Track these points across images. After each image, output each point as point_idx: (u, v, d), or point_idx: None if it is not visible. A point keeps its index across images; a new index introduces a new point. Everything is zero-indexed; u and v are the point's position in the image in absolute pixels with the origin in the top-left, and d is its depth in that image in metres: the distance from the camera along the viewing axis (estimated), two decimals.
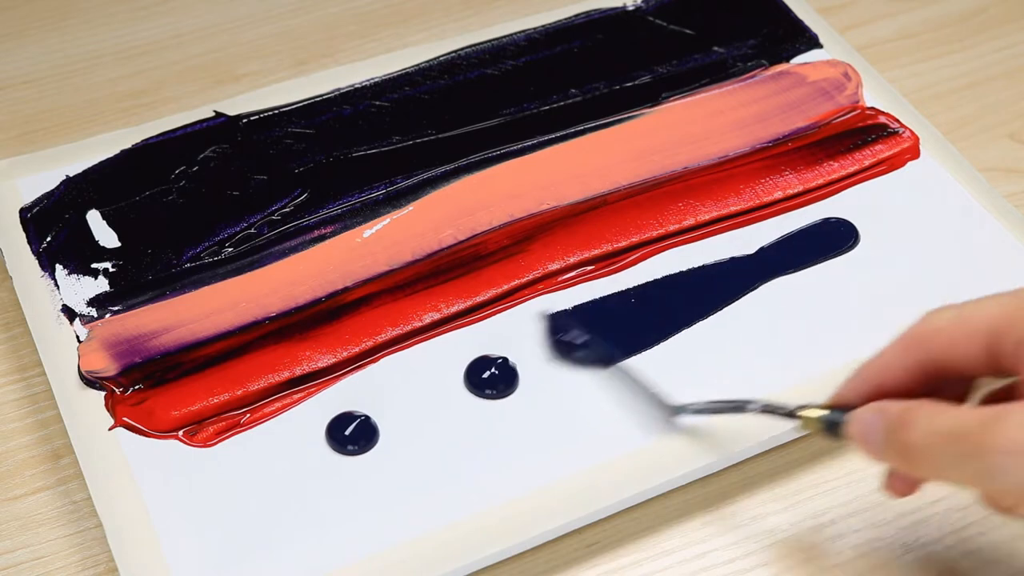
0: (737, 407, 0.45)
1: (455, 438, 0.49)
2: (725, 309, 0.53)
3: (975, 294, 0.54)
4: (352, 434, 0.48)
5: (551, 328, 0.51)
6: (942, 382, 0.39)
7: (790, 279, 0.55)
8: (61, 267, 0.54)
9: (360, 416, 0.49)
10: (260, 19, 0.68)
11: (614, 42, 0.65)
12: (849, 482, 0.49)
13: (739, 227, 0.57)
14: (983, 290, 0.54)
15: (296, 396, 0.50)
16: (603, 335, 0.51)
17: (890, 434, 0.37)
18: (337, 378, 0.51)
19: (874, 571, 0.47)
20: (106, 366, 0.50)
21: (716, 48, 0.65)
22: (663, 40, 0.65)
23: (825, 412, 0.40)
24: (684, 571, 0.47)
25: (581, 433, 0.49)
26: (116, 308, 0.52)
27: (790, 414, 0.42)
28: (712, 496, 0.49)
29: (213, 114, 0.60)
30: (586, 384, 0.50)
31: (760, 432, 0.48)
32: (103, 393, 0.50)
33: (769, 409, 0.43)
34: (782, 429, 0.48)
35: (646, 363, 0.51)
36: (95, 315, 0.52)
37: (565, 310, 0.52)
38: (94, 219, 0.56)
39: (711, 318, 0.53)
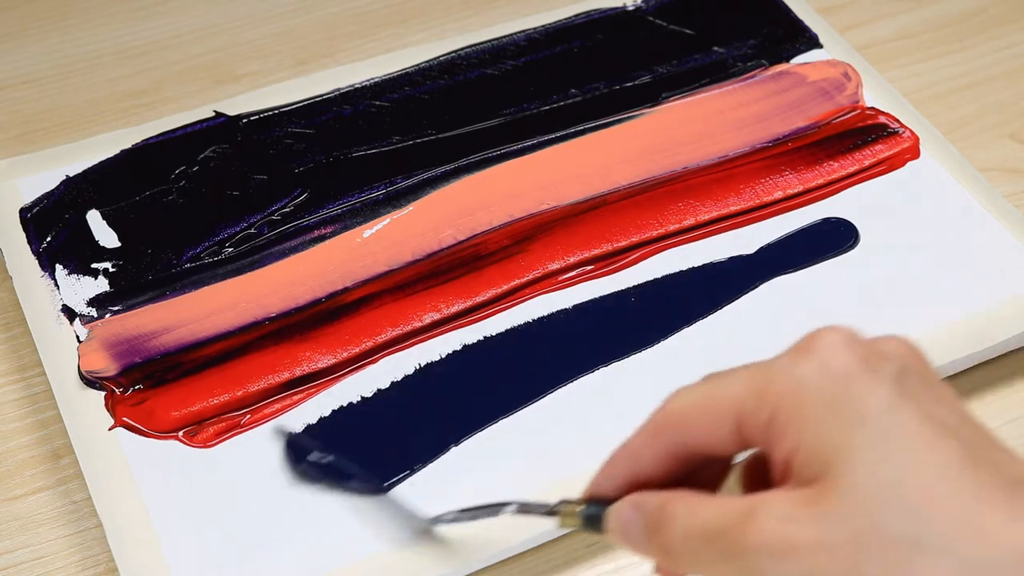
0: (492, 511, 0.41)
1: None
2: (725, 308, 0.53)
3: (975, 294, 0.54)
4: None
5: (293, 452, 0.45)
6: (697, 465, 0.36)
7: (790, 278, 0.55)
8: (61, 267, 0.54)
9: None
10: (260, 19, 0.68)
11: (614, 42, 0.65)
12: None
13: (739, 227, 0.56)
14: (983, 290, 0.54)
15: (296, 397, 0.50)
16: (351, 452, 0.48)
17: (649, 531, 0.34)
18: (337, 378, 0.51)
19: None
20: (106, 366, 0.50)
21: (716, 48, 0.65)
22: (663, 40, 0.65)
23: (583, 507, 0.37)
24: None
25: (581, 433, 0.49)
26: (116, 308, 0.52)
27: (550, 512, 0.38)
28: None
29: (213, 114, 0.60)
30: (588, 385, 0.50)
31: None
32: (103, 393, 0.50)
33: (525, 509, 0.40)
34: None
35: (645, 363, 0.51)
36: (95, 315, 0.52)
37: (300, 432, 0.49)
38: (94, 219, 0.56)
39: (711, 317, 0.53)
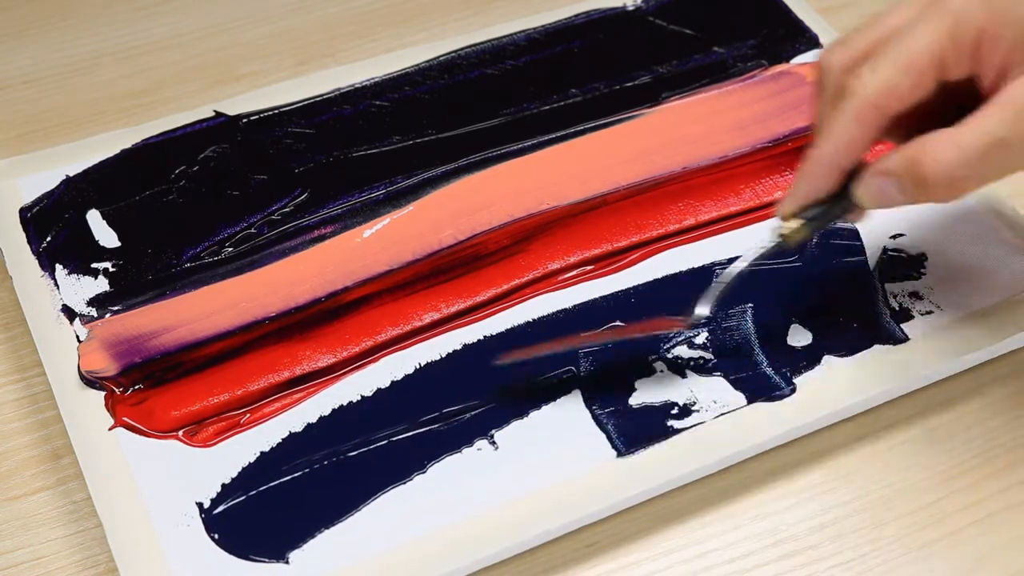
0: (729, 270, 0.47)
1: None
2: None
3: (975, 294, 0.54)
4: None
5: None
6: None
7: (790, 277, 0.55)
8: (61, 267, 0.54)
9: None
10: (260, 19, 0.68)
11: (614, 42, 0.65)
12: (849, 482, 0.49)
13: (739, 227, 0.57)
14: (982, 290, 0.54)
15: (296, 396, 0.50)
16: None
17: (915, 182, 0.41)
18: (337, 378, 0.51)
19: (874, 571, 0.47)
20: (106, 366, 0.50)
21: (716, 48, 0.65)
22: (663, 40, 0.65)
23: (803, 221, 0.44)
24: (684, 571, 0.47)
25: (581, 434, 0.49)
26: (116, 308, 0.52)
27: (776, 245, 0.45)
28: (712, 496, 0.49)
29: (213, 114, 0.60)
30: (593, 386, 0.51)
31: (760, 433, 0.48)
32: (103, 393, 0.50)
33: (753, 255, 0.46)
34: (776, 432, 0.48)
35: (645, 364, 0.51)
36: (95, 315, 0.52)
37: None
38: (94, 219, 0.56)
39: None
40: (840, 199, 0.45)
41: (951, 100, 0.43)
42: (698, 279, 0.54)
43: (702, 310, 0.48)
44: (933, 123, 0.42)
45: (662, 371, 0.51)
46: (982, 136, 0.40)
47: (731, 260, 0.51)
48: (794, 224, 0.45)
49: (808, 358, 0.52)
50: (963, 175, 0.41)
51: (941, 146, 0.41)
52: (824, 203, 0.45)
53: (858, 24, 0.44)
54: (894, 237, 0.56)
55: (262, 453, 0.48)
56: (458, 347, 0.52)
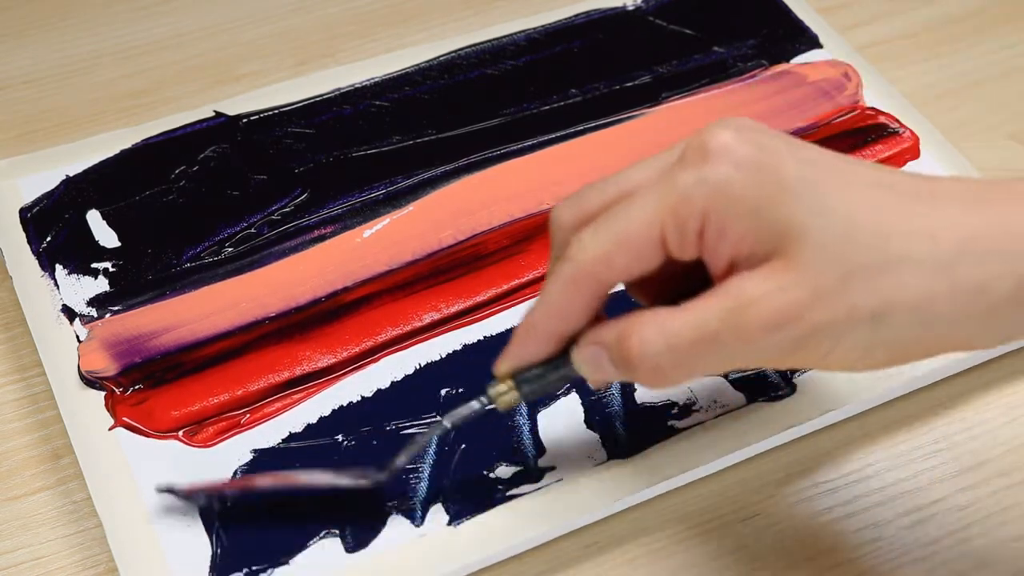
0: (431, 431, 0.43)
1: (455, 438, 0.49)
2: None
3: None
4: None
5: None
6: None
7: None
8: (61, 267, 0.54)
9: None
10: (260, 19, 0.68)
11: (614, 42, 0.65)
12: (849, 482, 0.49)
13: None
14: None
15: (296, 396, 0.50)
16: None
17: (624, 360, 0.37)
18: (337, 378, 0.51)
19: (874, 571, 0.47)
20: (106, 366, 0.50)
21: (716, 48, 0.65)
22: (663, 40, 0.65)
23: (514, 383, 0.39)
24: None
25: (580, 434, 0.49)
26: (116, 308, 0.52)
27: (484, 406, 0.40)
28: (712, 496, 0.49)
29: (213, 114, 0.60)
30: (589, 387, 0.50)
31: (760, 433, 0.48)
32: (103, 393, 0.50)
33: (460, 417, 0.42)
34: (776, 432, 0.48)
35: None
36: (95, 315, 0.52)
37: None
38: (94, 219, 0.56)
39: None
40: (559, 366, 0.39)
41: (702, 269, 0.38)
42: None
43: (400, 462, 0.44)
44: (691, 288, 0.38)
45: None
46: (692, 327, 0.36)
47: (431, 422, 0.48)
48: (503, 388, 0.40)
49: None
50: (668, 364, 0.36)
51: (648, 328, 0.36)
52: (541, 367, 0.39)
53: (595, 181, 0.39)
54: None
55: (262, 453, 0.48)
56: (458, 347, 0.52)
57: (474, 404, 0.41)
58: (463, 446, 0.48)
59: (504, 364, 0.40)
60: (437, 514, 0.46)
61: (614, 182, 0.38)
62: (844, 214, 0.35)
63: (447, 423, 0.42)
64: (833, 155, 0.37)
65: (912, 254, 0.35)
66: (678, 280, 0.39)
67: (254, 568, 0.45)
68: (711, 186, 0.35)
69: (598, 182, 0.39)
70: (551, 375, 0.39)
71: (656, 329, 0.36)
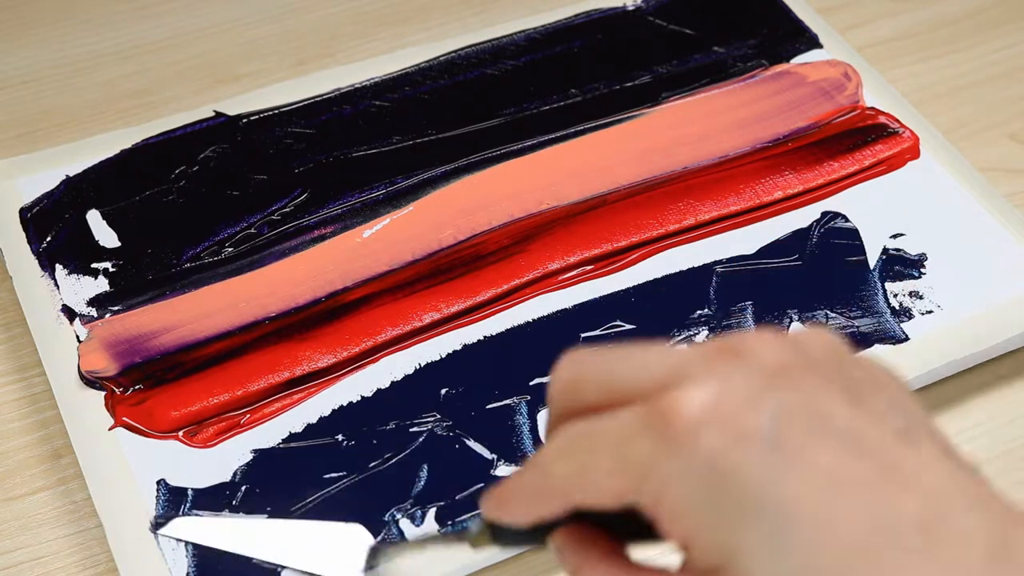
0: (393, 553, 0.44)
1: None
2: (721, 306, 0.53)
3: (975, 294, 0.54)
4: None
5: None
6: None
7: (790, 277, 0.55)
8: (61, 267, 0.54)
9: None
10: (260, 19, 0.68)
11: (614, 42, 0.65)
12: None
13: (739, 227, 0.56)
14: (983, 290, 0.54)
15: (296, 396, 0.50)
16: None
17: None
18: (337, 378, 0.51)
19: None
20: (106, 366, 0.50)
21: (716, 48, 0.65)
22: (663, 40, 0.65)
23: (490, 534, 0.35)
24: None
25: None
26: (116, 308, 0.52)
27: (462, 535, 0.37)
28: None
29: (213, 114, 0.60)
30: None
31: None
32: (103, 393, 0.50)
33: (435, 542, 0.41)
34: None
35: None
36: (95, 315, 0.52)
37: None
38: (94, 219, 0.56)
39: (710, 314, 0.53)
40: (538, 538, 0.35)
41: None
42: (698, 279, 0.54)
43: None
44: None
45: None
46: None
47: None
48: (476, 530, 0.36)
49: None
50: None
51: None
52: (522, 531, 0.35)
53: (603, 357, 0.31)
54: (894, 237, 0.56)
55: (262, 453, 0.48)
56: (458, 347, 0.52)
57: (447, 528, 0.42)
58: (463, 446, 0.48)
59: (503, 511, 0.34)
60: (437, 514, 0.46)
61: (614, 379, 0.31)
62: (797, 566, 0.27)
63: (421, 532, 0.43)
64: (859, 463, 0.27)
65: None
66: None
67: None
68: (664, 474, 0.28)
69: (605, 361, 0.31)
70: (531, 540, 0.35)
71: None
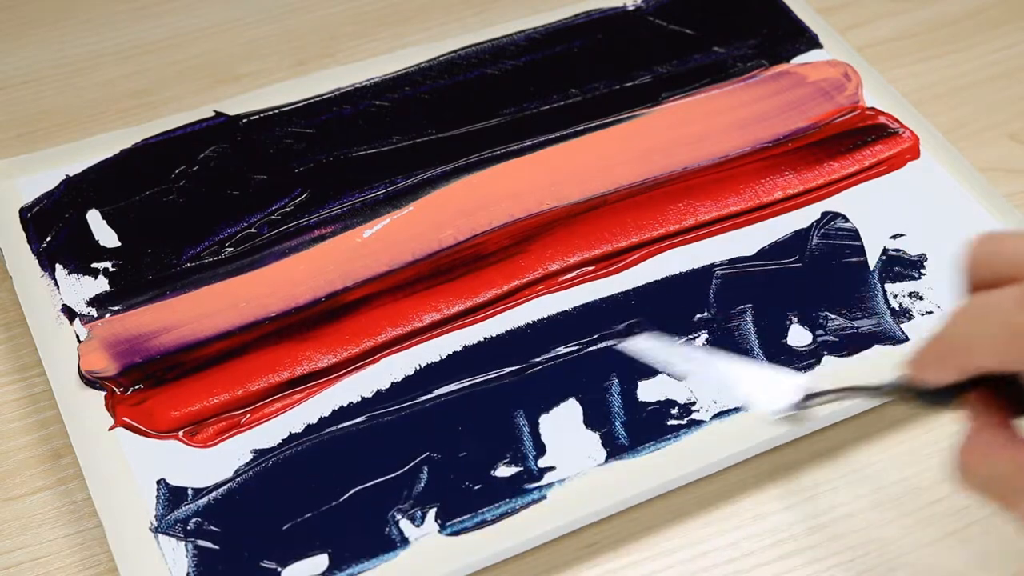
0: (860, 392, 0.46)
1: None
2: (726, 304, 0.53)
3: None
4: None
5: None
6: None
7: (790, 277, 0.55)
8: (61, 267, 0.54)
9: None
10: (260, 19, 0.68)
11: (614, 42, 0.65)
12: (849, 482, 0.49)
13: (739, 227, 0.57)
14: None
15: (296, 396, 0.50)
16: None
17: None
18: (337, 378, 0.51)
19: (874, 571, 0.47)
20: (106, 366, 0.50)
21: (716, 48, 0.65)
22: (663, 40, 0.65)
23: (918, 394, 0.40)
24: (684, 571, 0.47)
25: (580, 434, 0.49)
26: (116, 308, 0.52)
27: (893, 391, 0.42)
28: (712, 496, 0.49)
29: (213, 114, 0.60)
30: (588, 388, 0.50)
31: (760, 433, 0.48)
32: (103, 393, 0.50)
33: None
34: (776, 432, 0.48)
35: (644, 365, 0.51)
36: (95, 315, 0.52)
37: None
38: (94, 219, 0.56)
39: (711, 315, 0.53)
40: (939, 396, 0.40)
41: None
42: (699, 279, 0.54)
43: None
44: None
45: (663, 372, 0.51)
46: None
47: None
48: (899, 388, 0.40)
49: (808, 358, 0.52)
50: (987, 493, 0.37)
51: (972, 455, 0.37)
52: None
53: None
54: (894, 237, 0.56)
55: (261, 453, 0.48)
56: (458, 348, 0.52)
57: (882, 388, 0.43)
58: (463, 446, 0.48)
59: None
60: (437, 515, 0.46)
61: (1016, 258, 0.37)
62: None
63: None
64: None
65: None
66: None
67: None
68: None
69: (1014, 243, 0.37)
70: (942, 401, 0.40)
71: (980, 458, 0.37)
